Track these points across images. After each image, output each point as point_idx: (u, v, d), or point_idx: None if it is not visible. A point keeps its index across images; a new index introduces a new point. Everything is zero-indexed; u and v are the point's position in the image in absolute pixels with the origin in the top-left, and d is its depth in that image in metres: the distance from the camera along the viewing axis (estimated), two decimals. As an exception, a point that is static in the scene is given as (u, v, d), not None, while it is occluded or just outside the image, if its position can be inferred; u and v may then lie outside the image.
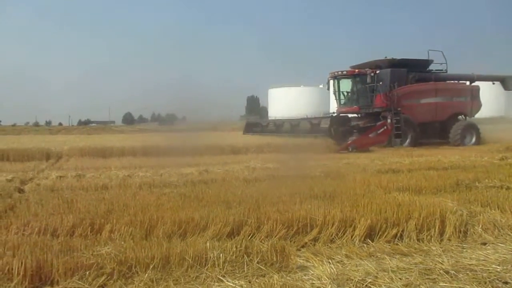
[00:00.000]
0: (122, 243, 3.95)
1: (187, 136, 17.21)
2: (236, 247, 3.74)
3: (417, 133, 17.76)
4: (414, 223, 4.45)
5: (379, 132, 16.30)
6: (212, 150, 13.87)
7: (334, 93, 19.58)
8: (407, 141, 17.42)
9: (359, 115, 18.80)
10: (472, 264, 3.56)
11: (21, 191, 6.86)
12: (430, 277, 3.30)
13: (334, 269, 3.39)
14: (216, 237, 4.21)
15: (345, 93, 19.20)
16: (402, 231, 4.39)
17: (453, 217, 4.59)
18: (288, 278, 3.34)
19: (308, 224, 4.42)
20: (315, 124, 17.59)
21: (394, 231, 4.36)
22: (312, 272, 3.41)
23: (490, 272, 3.40)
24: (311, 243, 4.18)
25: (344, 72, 18.89)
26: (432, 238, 4.31)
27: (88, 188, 6.86)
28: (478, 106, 20.14)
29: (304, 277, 3.37)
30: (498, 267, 3.50)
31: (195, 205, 5.38)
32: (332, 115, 18.71)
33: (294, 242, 4.15)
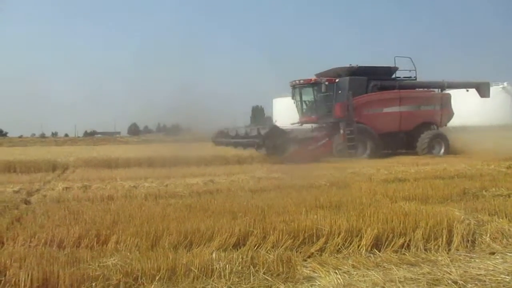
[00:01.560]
0: (128, 254, 3.95)
1: (191, 146, 17.27)
2: (242, 257, 3.73)
3: (377, 143, 16.95)
4: (421, 233, 4.42)
5: (319, 144, 15.54)
6: (217, 160, 13.91)
7: (295, 103, 18.89)
8: (366, 152, 16.73)
9: (311, 126, 18.14)
10: (480, 274, 3.52)
11: (27, 202, 6.88)
12: (438, 287, 3.27)
13: (341, 280, 3.37)
14: (222, 247, 4.20)
15: (307, 102, 18.47)
16: (409, 240, 4.36)
17: (461, 226, 4.55)
18: (294, 289, 3.33)
19: (314, 234, 4.40)
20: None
21: (401, 240, 4.33)
22: (319, 283, 3.40)
23: (499, 282, 3.37)
24: (317, 254, 4.15)
25: (302, 81, 18.22)
26: (440, 248, 4.28)
27: (94, 199, 6.87)
28: (450, 114, 19.30)
29: (310, 287, 3.36)
30: (507, 277, 3.47)
31: (201, 215, 5.37)
32: (273, 126, 17.16)
33: (300, 253, 4.13)
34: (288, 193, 7.12)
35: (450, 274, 3.47)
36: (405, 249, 4.26)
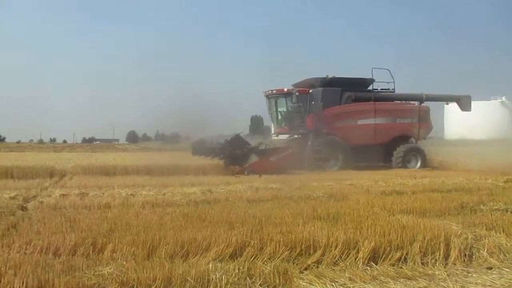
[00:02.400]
0: (124, 263, 3.93)
1: (189, 155, 17.23)
2: (238, 268, 3.72)
3: (348, 156, 16.52)
4: (418, 246, 4.41)
5: (282, 155, 14.96)
6: (215, 170, 13.91)
7: (270, 113, 18.48)
8: (337, 164, 16.38)
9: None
10: (477, 289, 3.51)
11: (24, 209, 6.85)
12: (435, 302, 3.26)
13: (338, 293, 3.35)
14: (219, 258, 4.19)
15: (281, 113, 18.03)
16: (407, 254, 4.35)
17: (458, 241, 4.54)
18: (291, 301, 3.31)
19: (311, 246, 4.39)
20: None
21: (398, 254, 4.32)
22: (315, 295, 3.38)
23: (496, 298, 3.35)
24: (314, 265, 4.14)
25: (274, 91, 17.82)
26: (437, 262, 4.27)
27: (91, 207, 6.84)
28: (428, 128, 18.93)
29: (307, 300, 3.34)
30: (504, 292, 3.46)
31: (198, 225, 5.36)
32: (234, 136, 16.23)
33: (297, 264, 4.12)
34: (285, 204, 7.11)
35: (447, 289, 3.46)
36: (402, 262, 4.25)
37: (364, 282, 3.72)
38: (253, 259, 4.16)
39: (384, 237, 4.61)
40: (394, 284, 3.64)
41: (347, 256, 4.27)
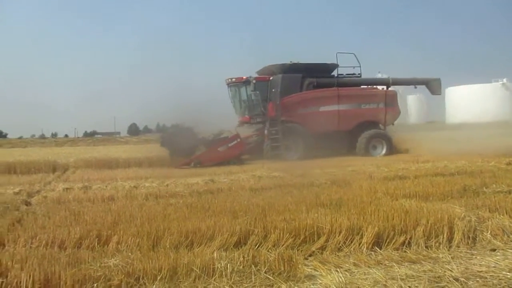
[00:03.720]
0: (129, 254, 3.96)
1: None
2: (243, 256, 3.73)
3: (310, 144, 15.91)
4: (422, 230, 4.42)
5: (230, 145, 14.43)
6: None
7: (232, 102, 17.64)
8: (298, 152, 15.83)
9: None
10: (482, 271, 3.52)
11: (28, 203, 6.88)
12: (440, 284, 3.28)
13: (343, 278, 3.37)
14: (223, 247, 4.21)
15: (242, 102, 17.21)
16: (410, 238, 4.36)
17: (461, 223, 4.55)
18: (296, 287, 3.33)
19: (315, 233, 4.40)
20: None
21: (402, 238, 4.33)
22: (320, 281, 3.40)
23: (500, 279, 3.37)
24: (318, 252, 4.15)
25: (234, 79, 17.02)
26: (441, 245, 4.28)
27: (94, 200, 6.87)
28: (395, 113, 18.08)
29: (312, 286, 3.36)
30: (508, 273, 3.47)
31: (202, 215, 5.38)
32: (181, 126, 15.55)
33: (301, 251, 4.14)
34: (288, 192, 7.12)
35: (452, 271, 3.47)
36: (406, 246, 4.26)
37: (369, 266, 3.73)
38: (257, 247, 4.17)
39: (388, 222, 4.62)
40: (399, 268, 3.65)
41: (351, 242, 4.28)
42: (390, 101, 17.77)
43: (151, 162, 13.80)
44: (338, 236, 4.32)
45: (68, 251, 4.12)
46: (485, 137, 17.77)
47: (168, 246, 4.19)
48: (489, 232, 4.54)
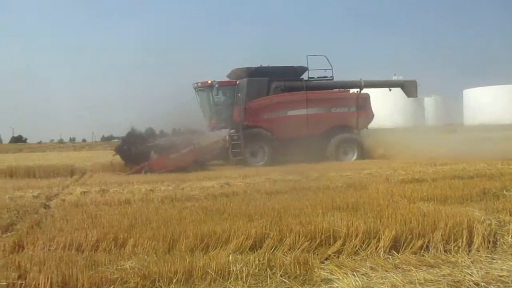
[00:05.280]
0: (146, 257, 3.98)
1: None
2: (258, 260, 3.72)
3: (276, 150, 15.54)
4: (440, 234, 4.34)
5: (183, 152, 13.93)
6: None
7: (201, 107, 17.00)
8: (264, 158, 15.48)
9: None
10: (503, 276, 3.44)
11: (46, 207, 6.99)
12: (459, 289, 3.21)
13: (359, 282, 3.33)
14: (239, 250, 4.19)
15: (211, 107, 16.61)
16: (428, 242, 4.28)
17: (481, 227, 4.46)
18: (312, 291, 3.30)
19: (331, 236, 4.36)
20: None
21: (420, 242, 4.26)
22: (337, 285, 3.36)
23: (522, 284, 3.28)
24: (334, 255, 4.11)
25: (200, 84, 16.50)
26: (460, 249, 4.19)
27: (111, 203, 6.94)
28: (368, 116, 17.37)
29: (328, 290, 3.33)
30: (530, 278, 3.38)
31: (217, 218, 5.38)
32: (130, 132, 14.93)
33: (317, 255, 4.09)
34: (304, 195, 7.08)
35: (471, 276, 3.40)
36: (424, 250, 4.19)
37: (386, 271, 3.68)
38: (273, 251, 4.15)
39: (405, 225, 4.55)
40: (417, 272, 3.58)
41: (368, 246, 4.22)
42: (362, 104, 17.14)
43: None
44: (354, 240, 4.27)
45: (85, 253, 4.17)
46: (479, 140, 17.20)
47: (183, 249, 4.20)
48: (510, 236, 4.44)
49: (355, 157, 16.35)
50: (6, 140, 68.21)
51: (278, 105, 16.19)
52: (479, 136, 18.49)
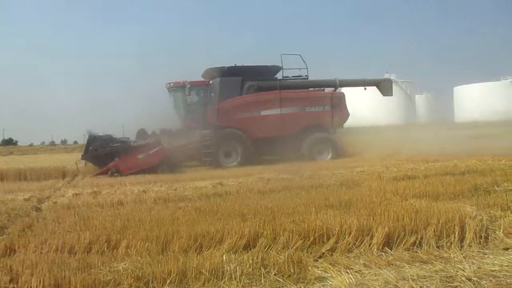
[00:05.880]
0: (139, 258, 3.96)
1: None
2: (252, 259, 3.72)
3: (249, 150, 15.45)
4: (432, 230, 4.37)
5: (150, 153, 13.79)
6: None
7: (175, 107, 16.79)
8: (237, 159, 15.40)
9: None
10: (495, 270, 3.47)
11: (38, 209, 6.93)
12: (452, 284, 3.23)
13: (353, 279, 3.34)
14: (232, 250, 4.19)
15: (186, 107, 16.43)
16: (421, 238, 4.31)
17: (473, 223, 4.49)
18: (306, 289, 3.31)
19: (325, 234, 4.37)
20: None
21: (413, 238, 4.29)
22: (331, 283, 3.37)
23: (514, 278, 3.31)
24: (328, 253, 4.12)
25: (172, 84, 16.37)
26: (452, 245, 4.22)
27: (104, 205, 6.90)
28: (343, 115, 17.26)
29: (322, 288, 3.33)
30: (522, 272, 3.41)
31: (210, 218, 5.37)
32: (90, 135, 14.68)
33: (311, 253, 4.11)
34: (297, 194, 7.10)
35: (464, 271, 3.42)
36: (417, 246, 4.21)
37: (379, 267, 3.69)
38: (266, 250, 4.15)
39: (398, 222, 4.57)
40: (410, 268, 3.60)
41: (361, 243, 4.24)
42: (337, 103, 17.03)
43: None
44: (348, 237, 4.29)
45: (78, 256, 4.13)
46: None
47: (177, 250, 4.19)
48: (502, 231, 4.47)
49: (329, 156, 16.24)
50: (-4, 143, 67.55)
51: (251, 105, 16.05)
52: (468, 133, 18.61)
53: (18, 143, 63.13)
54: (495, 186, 7.03)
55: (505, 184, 7.12)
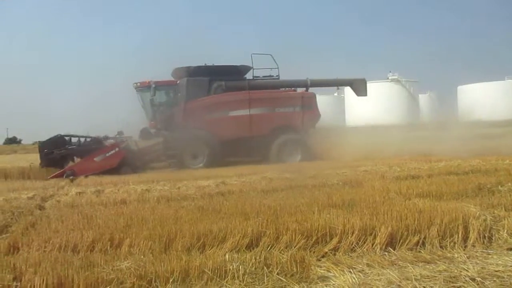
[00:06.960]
0: (142, 257, 3.97)
1: None
2: (255, 258, 3.72)
3: (216, 151, 15.11)
4: (436, 230, 4.35)
5: (107, 155, 13.68)
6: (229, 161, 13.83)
7: (143, 108, 16.39)
8: (203, 161, 15.06)
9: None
10: (498, 271, 3.46)
11: (41, 208, 6.95)
12: (456, 284, 3.22)
13: (356, 279, 3.33)
14: (235, 249, 4.19)
15: (154, 107, 15.97)
16: (424, 238, 4.30)
17: (477, 222, 4.47)
18: (309, 289, 3.30)
19: (328, 234, 4.36)
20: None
21: (416, 238, 4.27)
22: (334, 283, 3.36)
23: (518, 278, 3.29)
24: (331, 253, 4.11)
25: (138, 84, 15.99)
26: (456, 245, 4.21)
27: (107, 203, 6.92)
28: (314, 116, 16.69)
29: (325, 287, 3.33)
30: (526, 273, 3.39)
31: (213, 217, 5.37)
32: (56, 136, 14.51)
33: (314, 252, 4.10)
34: (300, 193, 7.09)
35: (468, 271, 3.41)
36: (420, 246, 4.20)
37: (382, 267, 3.68)
38: (269, 249, 4.15)
39: (401, 221, 4.56)
40: (413, 268, 3.59)
41: (364, 243, 4.23)
42: (308, 104, 16.58)
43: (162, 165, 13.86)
44: (351, 237, 4.28)
45: (81, 254, 4.15)
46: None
47: (180, 249, 4.19)
48: (506, 231, 4.46)
49: (299, 158, 15.76)
50: (0, 141, 67.83)
51: (218, 105, 15.68)
52: (473, 133, 18.43)
53: (22, 142, 63.34)
54: (499, 186, 7.00)
55: (509, 184, 7.08)
